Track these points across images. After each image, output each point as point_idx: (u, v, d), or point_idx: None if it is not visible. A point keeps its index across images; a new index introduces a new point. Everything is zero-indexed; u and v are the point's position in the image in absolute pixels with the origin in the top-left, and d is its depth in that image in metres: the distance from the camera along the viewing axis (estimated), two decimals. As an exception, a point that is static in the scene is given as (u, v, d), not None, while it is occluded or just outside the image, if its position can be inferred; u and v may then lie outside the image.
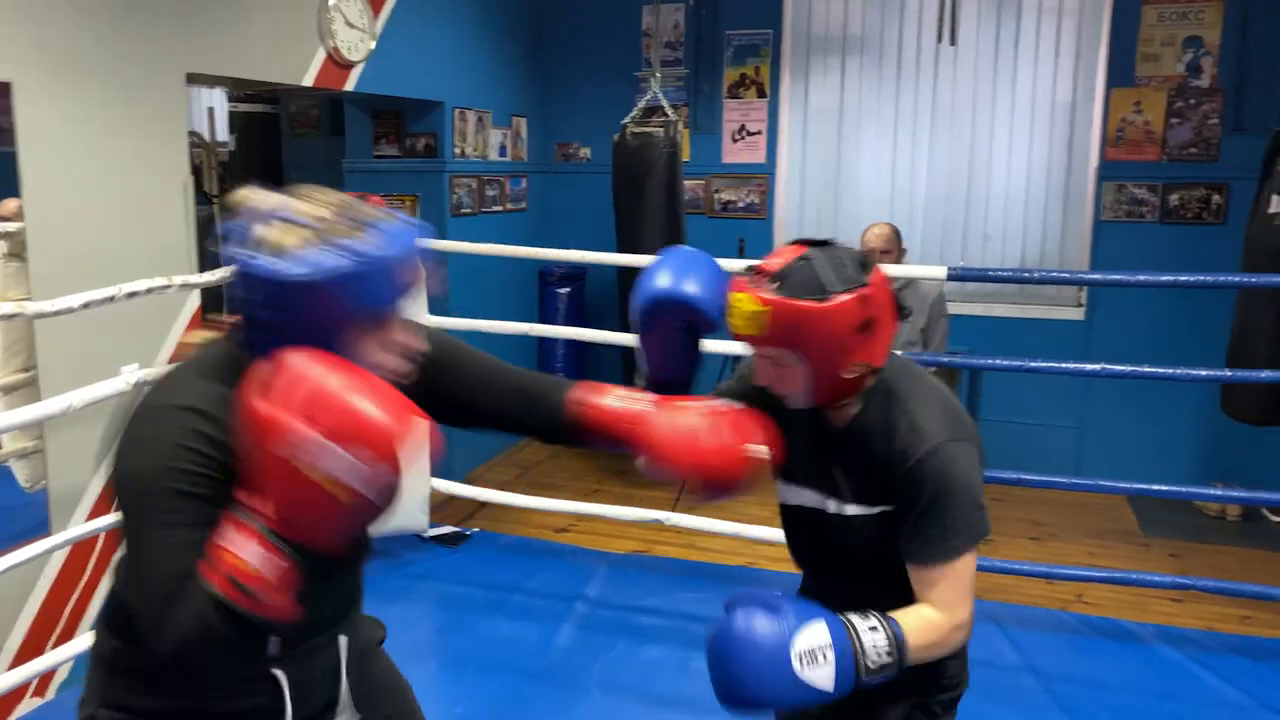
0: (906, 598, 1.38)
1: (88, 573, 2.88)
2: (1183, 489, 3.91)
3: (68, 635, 2.82)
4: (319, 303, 1.07)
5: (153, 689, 1.22)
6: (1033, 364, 3.34)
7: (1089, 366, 3.39)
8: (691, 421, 1.31)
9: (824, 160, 5.33)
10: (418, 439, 1.04)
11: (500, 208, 5.24)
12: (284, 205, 1.08)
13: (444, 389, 1.36)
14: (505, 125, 5.25)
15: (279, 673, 1.24)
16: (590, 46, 5.53)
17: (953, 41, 4.18)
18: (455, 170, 4.78)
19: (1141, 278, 3.15)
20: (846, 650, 1.26)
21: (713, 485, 1.31)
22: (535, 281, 5.61)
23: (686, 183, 5.01)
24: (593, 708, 2.49)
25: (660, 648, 2.80)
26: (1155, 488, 3.31)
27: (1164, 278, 3.25)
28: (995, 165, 5.04)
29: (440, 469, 3.62)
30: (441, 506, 3.78)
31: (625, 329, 4.39)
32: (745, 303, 1.36)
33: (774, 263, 1.37)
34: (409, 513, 3.30)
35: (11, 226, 2.75)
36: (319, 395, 1.00)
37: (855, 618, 1.30)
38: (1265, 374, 3.29)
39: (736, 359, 4.76)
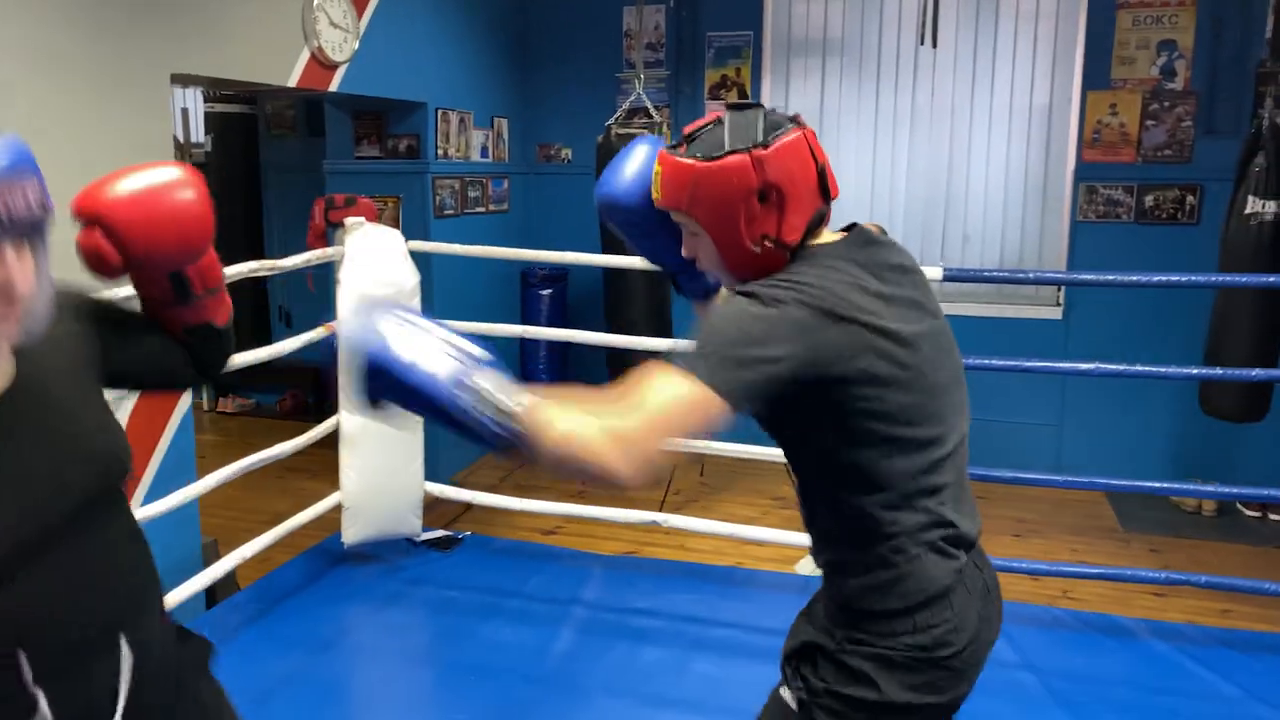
0: (826, 501, 1.34)
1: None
2: (1163, 485, 3.97)
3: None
4: None
5: None
6: (1027, 364, 3.38)
7: (1082, 365, 3.41)
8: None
9: (805, 162, 5.35)
10: None
11: (483, 209, 5.22)
12: None
13: (101, 341, 1.26)
14: (487, 126, 5.22)
15: (39, 692, 1.01)
16: (571, 47, 5.52)
17: (934, 44, 4.22)
18: (438, 171, 4.74)
19: (1135, 278, 3.19)
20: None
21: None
22: (517, 283, 5.59)
23: (669, 184, 5.02)
24: (596, 711, 2.48)
25: (659, 650, 2.80)
26: (1137, 484, 3.37)
27: (1155, 278, 3.30)
28: (974, 167, 5.09)
29: (427, 472, 3.59)
30: (428, 510, 3.76)
31: (610, 330, 4.43)
32: (657, 163, 1.35)
33: (693, 125, 1.36)
34: (402, 516, 3.27)
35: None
36: None
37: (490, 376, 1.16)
38: (1256, 372, 3.35)
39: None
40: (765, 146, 1.29)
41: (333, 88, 3.90)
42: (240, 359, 2.75)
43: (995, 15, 4.95)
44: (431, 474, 3.77)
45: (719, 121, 1.33)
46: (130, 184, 1.26)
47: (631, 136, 4.52)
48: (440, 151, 4.74)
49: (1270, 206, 3.82)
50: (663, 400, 1.17)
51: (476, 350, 1.19)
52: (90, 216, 1.26)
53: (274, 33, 3.54)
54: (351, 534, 3.21)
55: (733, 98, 5.33)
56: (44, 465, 1.06)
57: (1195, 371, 3.67)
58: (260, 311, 5.56)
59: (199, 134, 5.35)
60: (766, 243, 1.30)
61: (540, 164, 5.70)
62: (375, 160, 4.70)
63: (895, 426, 1.29)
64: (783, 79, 5.32)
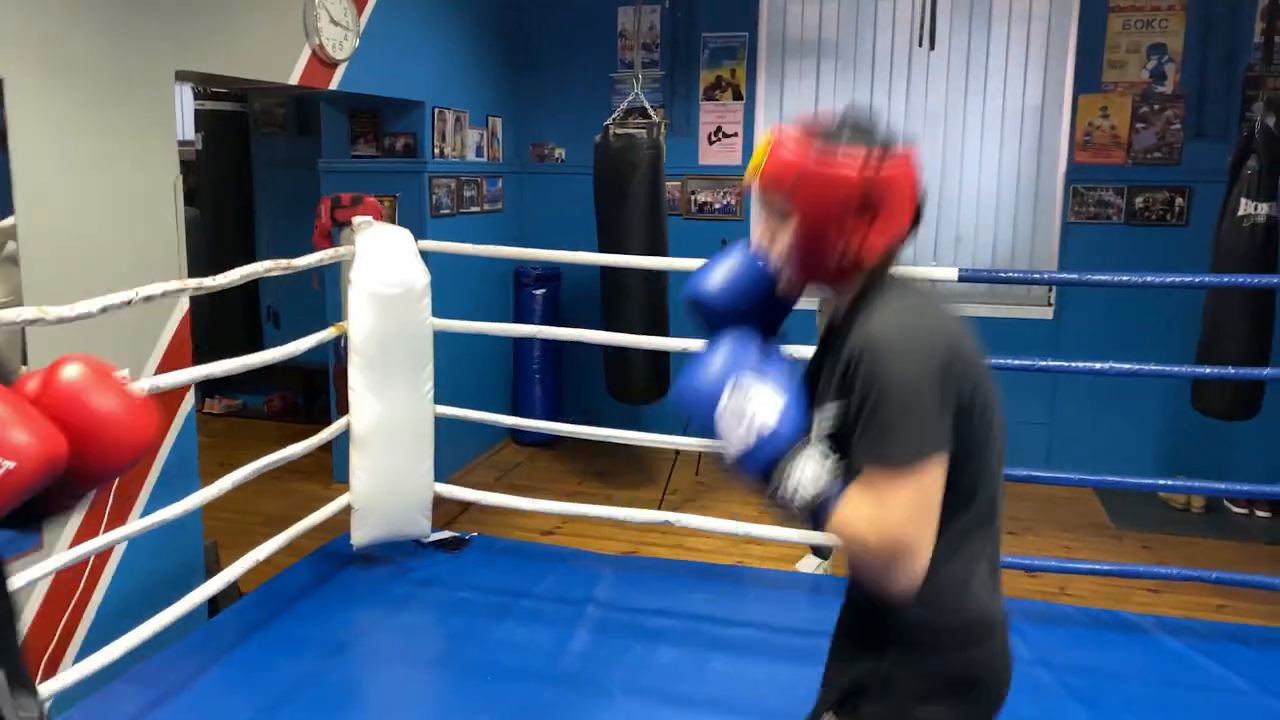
0: None
1: (82, 581, 2.78)
2: (1149, 481, 4.02)
3: (63, 648, 2.71)
4: None
5: None
6: (1018, 362, 3.41)
7: (1073, 364, 3.46)
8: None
9: (800, 162, 5.38)
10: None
11: (478, 208, 5.19)
12: None
13: None
14: (481, 125, 5.20)
15: None
16: (564, 48, 5.51)
17: (932, 46, 4.25)
18: (435, 171, 4.71)
19: (1132, 278, 3.23)
20: (770, 452, 1.26)
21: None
22: (510, 283, 5.57)
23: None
24: (620, 711, 2.48)
25: (676, 649, 2.80)
26: (1123, 480, 3.41)
27: (1149, 278, 3.34)
28: (967, 168, 5.14)
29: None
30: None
31: (605, 328, 4.43)
32: (764, 141, 1.34)
33: (812, 119, 1.35)
34: (411, 518, 3.25)
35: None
36: None
37: (815, 449, 1.27)
38: (1268, 372, 3.42)
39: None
40: (881, 161, 1.29)
41: (333, 86, 3.87)
42: (238, 362, 2.72)
43: (988, 18, 5.00)
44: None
45: (840, 126, 1.32)
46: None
47: (630, 136, 4.53)
48: (437, 151, 4.71)
49: (1263, 208, 3.89)
50: (916, 498, 1.24)
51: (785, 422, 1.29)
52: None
53: (276, 30, 3.50)
54: (360, 535, 3.19)
55: (728, 98, 5.34)
56: None
57: (1178, 369, 3.74)
58: (251, 311, 5.50)
59: (188, 131, 5.27)
60: (847, 251, 1.31)
61: (533, 164, 5.69)
62: (372, 159, 4.66)
63: (981, 449, 1.32)
64: (777, 80, 5.34)
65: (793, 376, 1.34)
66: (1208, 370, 3.44)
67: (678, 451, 4.94)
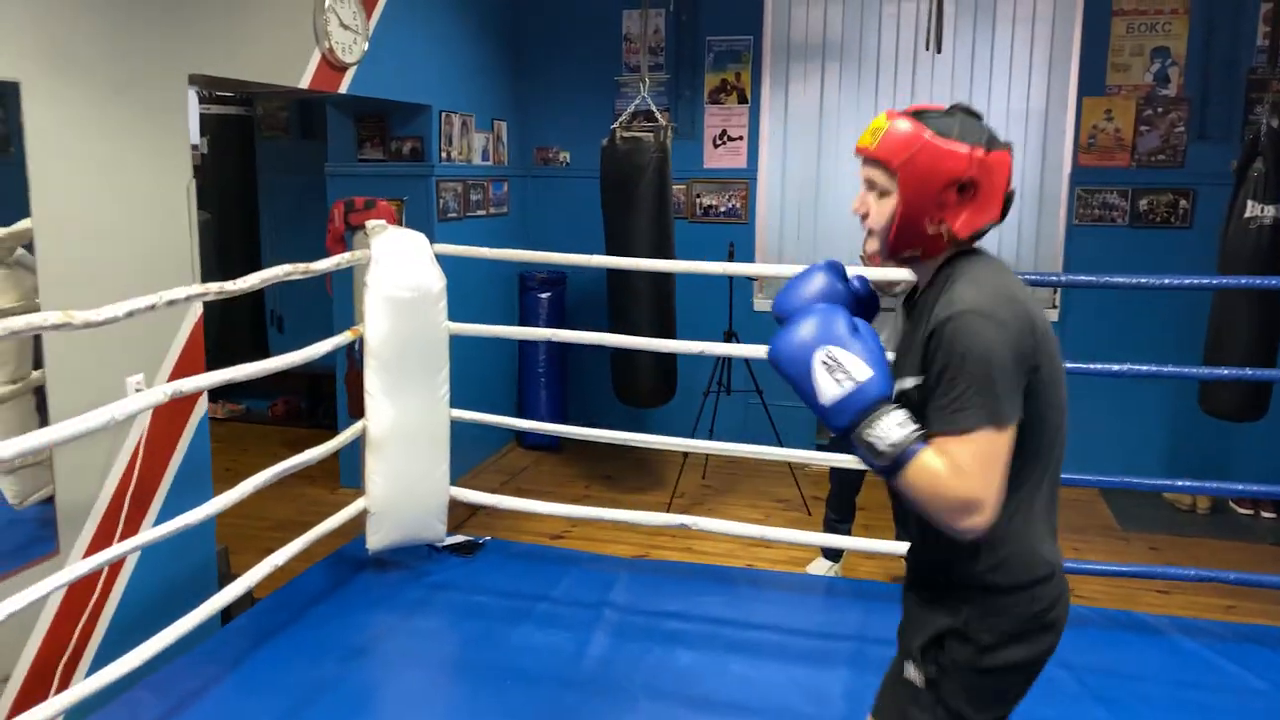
0: None
1: (97, 589, 2.76)
2: (1152, 481, 4.02)
3: (78, 657, 2.70)
4: None
5: None
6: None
7: (1078, 365, 3.45)
8: None
9: (805, 165, 5.40)
10: None
11: (484, 212, 5.19)
12: None
13: None
14: (487, 129, 5.20)
15: None
16: (569, 52, 5.51)
17: (939, 49, 4.27)
18: (442, 174, 4.71)
19: (1141, 280, 3.24)
20: (860, 403, 1.36)
21: None
22: (515, 286, 5.57)
23: (669, 187, 5.03)
24: (642, 714, 2.48)
25: (695, 653, 2.80)
26: (1127, 480, 3.42)
27: (1164, 279, 3.35)
28: (971, 171, 5.15)
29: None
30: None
31: (611, 330, 4.42)
32: (879, 117, 1.47)
33: (922, 106, 1.49)
34: (427, 522, 3.24)
35: (1, 232, 2.63)
36: None
37: (900, 407, 1.37)
38: (1233, 371, 3.44)
39: (728, 362, 4.81)
40: (986, 151, 1.42)
41: (342, 89, 3.86)
42: (256, 367, 2.70)
43: (992, 20, 5.02)
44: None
45: (951, 113, 1.45)
46: None
47: (636, 140, 4.53)
48: (444, 154, 4.71)
49: (1269, 210, 3.91)
50: (992, 457, 1.34)
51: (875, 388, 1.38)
52: None
53: (287, 34, 3.50)
54: (376, 540, 3.18)
55: (733, 101, 5.35)
56: None
57: (1191, 371, 3.75)
58: (257, 315, 5.48)
59: (194, 135, 5.25)
60: (941, 228, 1.43)
61: (538, 167, 5.69)
62: (379, 163, 4.66)
63: (1049, 417, 1.43)
64: (782, 83, 5.35)
65: (880, 347, 1.43)
66: (1224, 371, 3.44)
67: (685, 455, 4.94)
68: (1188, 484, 3.98)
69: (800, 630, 2.96)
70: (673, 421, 4.99)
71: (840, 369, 1.37)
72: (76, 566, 2.29)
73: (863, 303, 1.59)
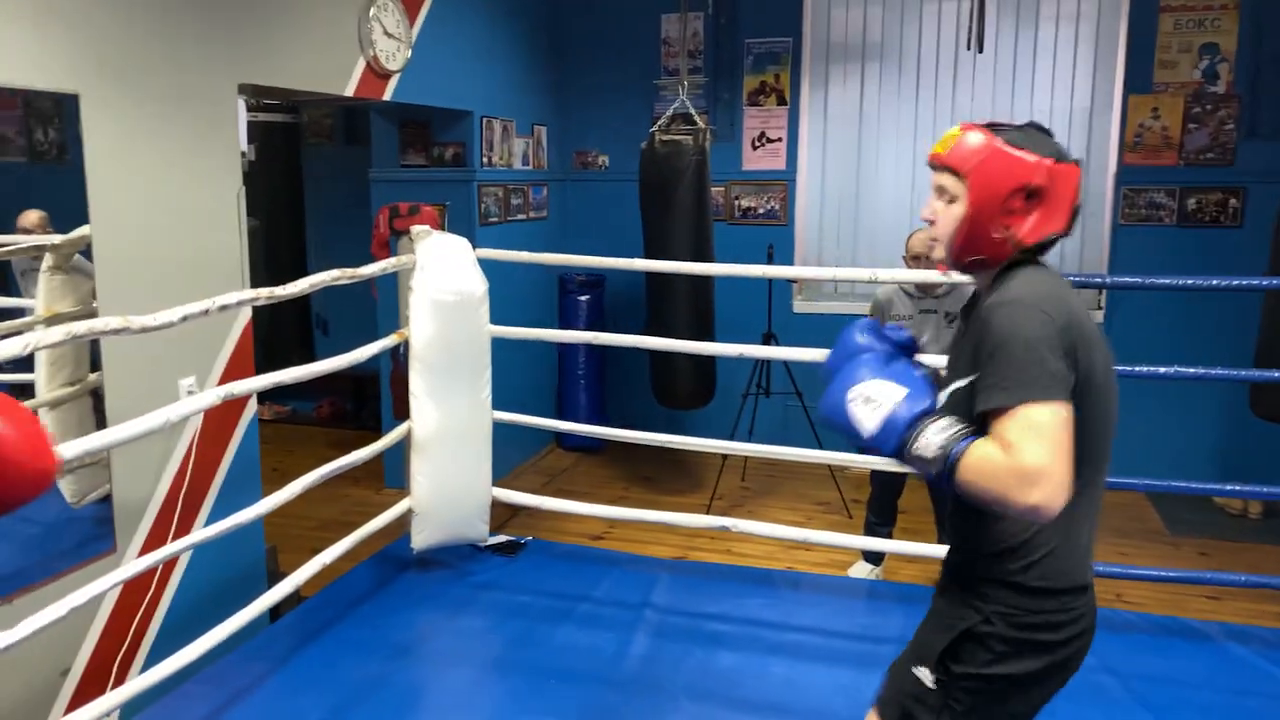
0: None
1: (152, 585, 2.84)
2: (1209, 486, 3.96)
3: (134, 651, 2.77)
4: None
5: None
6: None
7: (1126, 368, 3.40)
8: None
9: (845, 166, 5.38)
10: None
11: (524, 216, 5.24)
12: None
13: None
14: (527, 134, 5.25)
15: None
16: (607, 55, 5.54)
17: (981, 49, 4.23)
18: (483, 179, 4.76)
19: (1215, 281, 3.15)
20: (901, 422, 1.39)
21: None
22: (555, 289, 5.61)
23: (708, 190, 5.04)
24: (684, 715, 2.49)
25: (736, 654, 2.80)
26: (1174, 484, 3.35)
27: (1211, 281, 3.28)
28: (1014, 171, 5.10)
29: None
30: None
31: (650, 333, 4.44)
32: (953, 129, 1.53)
33: (995, 121, 1.55)
34: (470, 522, 3.28)
35: (56, 238, 2.70)
36: None
37: (943, 419, 1.39)
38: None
39: (767, 364, 4.81)
40: (1055, 163, 1.46)
41: (386, 97, 3.93)
42: (304, 370, 2.76)
43: (1035, 18, 4.97)
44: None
45: (1023, 128, 1.50)
46: None
47: (676, 143, 4.55)
48: (485, 159, 4.76)
49: (1324, 209, 3.82)
50: (1048, 428, 1.32)
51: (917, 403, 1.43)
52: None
53: (332, 43, 3.57)
54: (421, 539, 3.23)
55: (772, 103, 5.35)
56: None
57: (1243, 373, 3.66)
58: (303, 318, 5.58)
59: (243, 142, 5.37)
60: (1008, 234, 1.46)
61: (577, 171, 5.73)
62: (421, 169, 4.72)
63: (1095, 421, 1.43)
64: (822, 84, 5.34)
65: (919, 374, 1.48)
66: (1276, 374, 3.37)
67: (724, 457, 4.94)
68: (1239, 488, 3.93)
69: (842, 633, 2.95)
70: (712, 423, 5.00)
71: (873, 400, 1.43)
72: (132, 564, 2.36)
73: (904, 349, 1.63)
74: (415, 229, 3.16)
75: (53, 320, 2.57)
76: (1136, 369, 3.17)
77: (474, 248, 3.31)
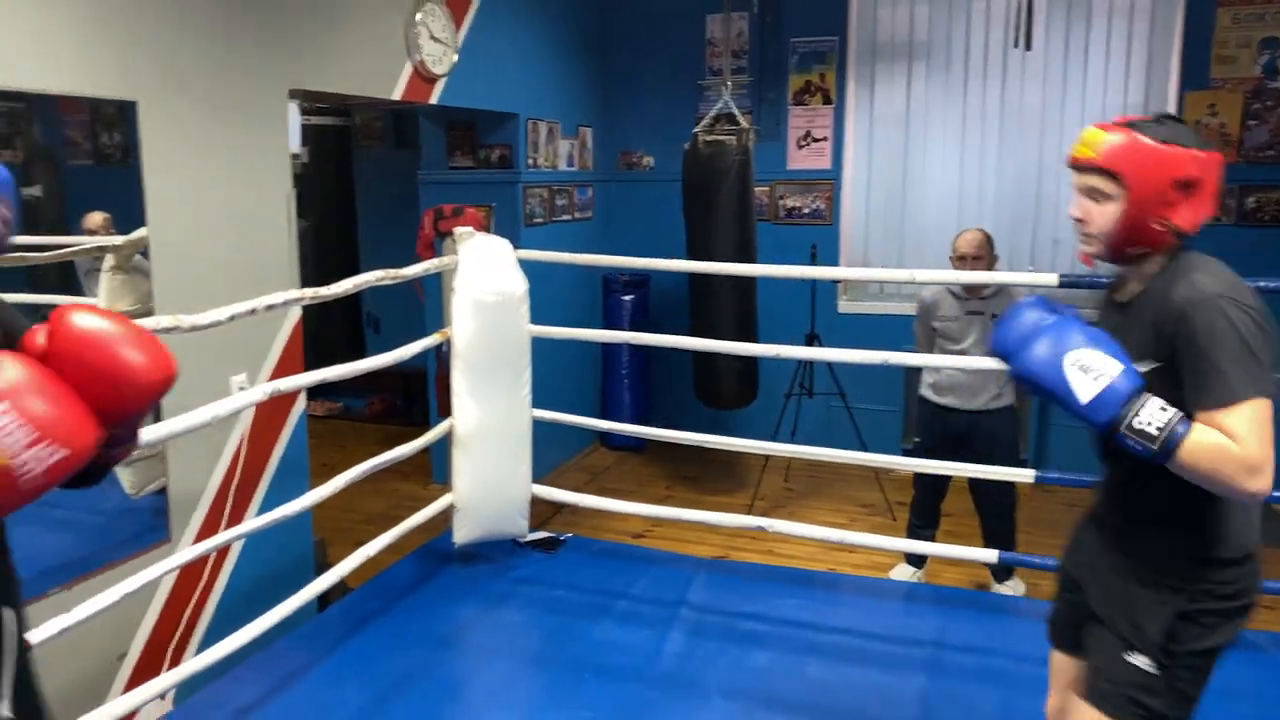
0: (1175, 480, 1.48)
1: (205, 574, 2.94)
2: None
3: (187, 637, 2.87)
4: None
5: None
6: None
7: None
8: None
9: (891, 165, 5.34)
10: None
11: (569, 216, 5.29)
12: None
13: None
14: (572, 135, 5.30)
15: None
16: (652, 56, 5.57)
17: (1028, 46, 4.17)
18: (529, 180, 4.83)
19: (1277, 283, 3.06)
20: (1121, 395, 1.45)
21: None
22: (599, 288, 5.65)
23: (752, 190, 5.04)
24: (717, 713, 2.51)
25: (771, 654, 2.82)
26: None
27: (1262, 283, 3.19)
28: (1065, 169, 5.01)
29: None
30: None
31: (693, 333, 4.46)
32: (1092, 130, 1.58)
33: (1130, 118, 1.61)
34: (510, 517, 3.34)
35: (118, 239, 2.81)
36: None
37: (1155, 398, 1.45)
38: None
39: (810, 365, 4.80)
40: (1201, 150, 1.53)
41: (433, 100, 4.00)
42: (350, 367, 2.83)
43: (1087, 14, 4.88)
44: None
45: (1160, 121, 1.57)
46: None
47: (719, 143, 4.56)
48: (530, 161, 4.83)
49: (1387, 207, 3.70)
50: (1265, 422, 1.44)
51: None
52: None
53: (380, 48, 3.65)
54: (462, 534, 3.29)
55: (817, 102, 5.33)
56: None
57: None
58: (353, 317, 5.71)
59: (295, 145, 5.51)
60: (1167, 225, 1.52)
61: (622, 171, 5.77)
62: (468, 170, 4.80)
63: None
64: (868, 83, 5.30)
65: (1120, 347, 1.53)
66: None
67: (767, 457, 4.94)
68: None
69: (878, 635, 2.95)
70: (754, 424, 5.00)
71: (1091, 370, 1.48)
72: (184, 552, 2.46)
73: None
74: (458, 230, 3.22)
75: (112, 318, 2.68)
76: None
77: (519, 248, 3.37)
